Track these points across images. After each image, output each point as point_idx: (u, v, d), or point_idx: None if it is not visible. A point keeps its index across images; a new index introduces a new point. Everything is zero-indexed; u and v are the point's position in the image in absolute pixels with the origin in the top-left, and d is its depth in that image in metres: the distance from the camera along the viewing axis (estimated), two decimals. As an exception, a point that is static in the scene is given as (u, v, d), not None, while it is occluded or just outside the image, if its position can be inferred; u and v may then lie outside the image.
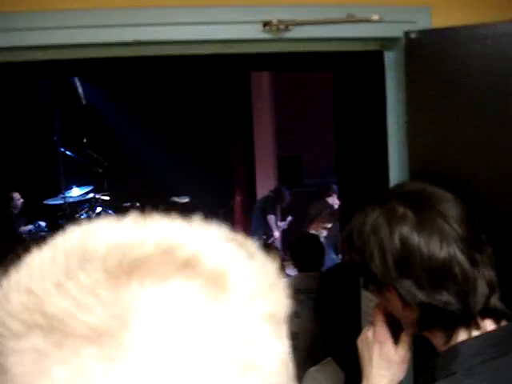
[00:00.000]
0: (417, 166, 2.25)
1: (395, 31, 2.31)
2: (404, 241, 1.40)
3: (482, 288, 1.39)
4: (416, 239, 1.39)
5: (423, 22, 2.32)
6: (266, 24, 2.23)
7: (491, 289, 1.41)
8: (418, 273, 1.38)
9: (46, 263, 0.47)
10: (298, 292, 4.22)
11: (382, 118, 2.47)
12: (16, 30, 2.15)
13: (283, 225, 8.59)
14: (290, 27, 2.22)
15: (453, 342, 1.39)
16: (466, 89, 2.15)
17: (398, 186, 1.71)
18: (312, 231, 7.99)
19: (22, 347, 0.42)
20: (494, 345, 1.35)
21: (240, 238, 0.56)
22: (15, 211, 7.56)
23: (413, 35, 2.21)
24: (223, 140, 9.29)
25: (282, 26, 2.22)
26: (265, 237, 8.39)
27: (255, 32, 2.24)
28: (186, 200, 9.17)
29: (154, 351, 0.42)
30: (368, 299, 2.47)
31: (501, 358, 1.34)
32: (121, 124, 8.92)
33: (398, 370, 1.54)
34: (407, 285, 1.39)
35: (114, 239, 0.48)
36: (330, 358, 2.91)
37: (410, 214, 1.42)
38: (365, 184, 2.75)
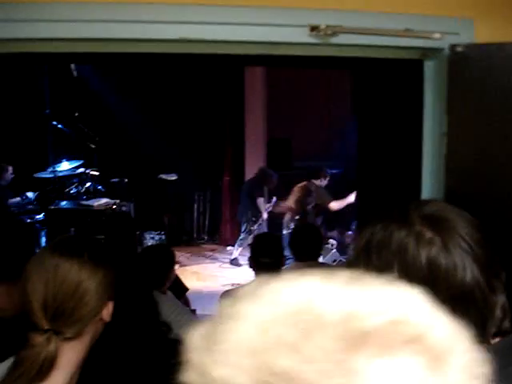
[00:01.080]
0: (454, 179, 2.28)
1: (438, 42, 2.31)
2: (431, 263, 1.41)
3: (497, 313, 1.42)
4: (444, 262, 1.41)
5: (466, 34, 2.33)
6: (313, 28, 2.22)
7: (504, 313, 1.44)
8: (442, 297, 1.39)
9: (269, 321, 0.47)
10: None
11: (414, 127, 2.48)
12: (59, 22, 2.11)
13: (268, 207, 8.63)
14: (337, 33, 2.22)
15: None
16: (509, 105, 2.17)
17: (421, 206, 1.68)
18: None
19: None
20: (496, 356, 1.39)
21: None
22: (4, 183, 7.44)
23: (458, 48, 2.22)
24: (214, 120, 9.24)
25: (329, 32, 2.21)
26: (254, 219, 8.43)
27: (302, 36, 2.23)
28: (173, 178, 9.13)
29: None
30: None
31: (502, 369, 1.37)
32: (112, 98, 8.78)
33: None
34: None
35: (345, 306, 0.48)
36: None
37: (437, 238, 1.44)
38: (394, 196, 2.76)
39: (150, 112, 8.92)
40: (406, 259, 1.41)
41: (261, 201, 8.46)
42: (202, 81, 8.67)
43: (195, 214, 9.62)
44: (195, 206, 9.59)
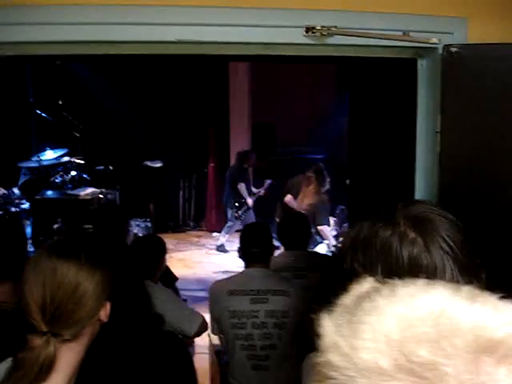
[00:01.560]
0: (447, 177, 2.31)
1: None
2: (413, 263, 1.46)
3: None
4: (424, 262, 1.46)
5: (460, 34, 2.35)
6: (308, 29, 2.23)
7: None
8: None
9: (409, 319, 0.57)
10: (284, 270, 4.28)
11: (408, 124, 2.51)
12: (55, 25, 2.10)
13: (258, 191, 8.59)
14: (333, 34, 2.23)
15: None
16: (502, 104, 2.21)
17: (408, 207, 1.73)
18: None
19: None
20: None
21: None
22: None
23: (453, 49, 2.24)
24: (199, 107, 9.20)
25: (324, 32, 2.22)
26: (237, 204, 8.43)
27: (298, 36, 2.24)
28: (159, 165, 9.11)
29: None
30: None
31: None
32: (96, 85, 8.70)
33: None
34: None
35: (474, 318, 0.58)
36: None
37: (419, 239, 1.49)
38: (386, 194, 2.79)
39: (135, 99, 8.86)
40: (389, 258, 1.45)
41: (242, 186, 8.42)
42: (186, 68, 8.62)
43: (181, 201, 9.63)
44: (180, 192, 9.58)
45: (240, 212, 8.42)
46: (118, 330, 2.02)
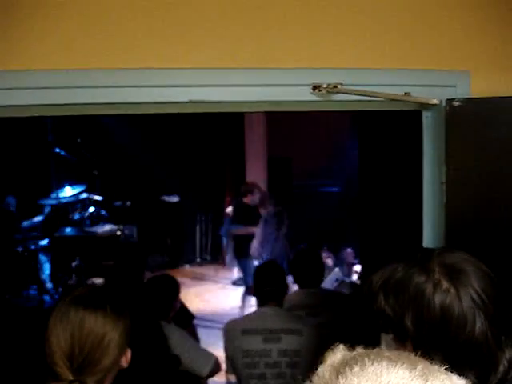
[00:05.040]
0: (453, 227, 2.36)
1: (435, 94, 2.41)
2: (445, 311, 1.49)
3: (502, 367, 1.50)
4: (456, 312, 1.49)
5: (463, 87, 2.42)
6: (315, 87, 2.32)
7: (510, 367, 1.52)
8: (450, 346, 1.46)
9: None
10: (297, 308, 4.30)
11: (414, 175, 2.57)
12: (74, 88, 2.21)
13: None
14: (339, 92, 2.32)
15: None
16: (506, 155, 2.26)
17: (444, 255, 1.75)
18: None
19: None
20: None
21: None
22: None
23: (455, 103, 2.31)
24: (214, 141, 9.33)
25: (330, 90, 2.31)
26: None
27: (304, 94, 2.33)
28: (175, 200, 9.23)
29: None
30: (387, 341, 2.57)
31: None
32: (113, 123, 8.84)
33: None
34: (436, 355, 1.48)
35: None
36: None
37: (452, 289, 1.52)
38: (394, 241, 2.84)
39: (151, 135, 9.01)
40: (421, 304, 1.49)
41: None
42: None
43: (197, 235, 9.71)
44: (197, 227, 9.67)
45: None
46: (137, 373, 2.09)
